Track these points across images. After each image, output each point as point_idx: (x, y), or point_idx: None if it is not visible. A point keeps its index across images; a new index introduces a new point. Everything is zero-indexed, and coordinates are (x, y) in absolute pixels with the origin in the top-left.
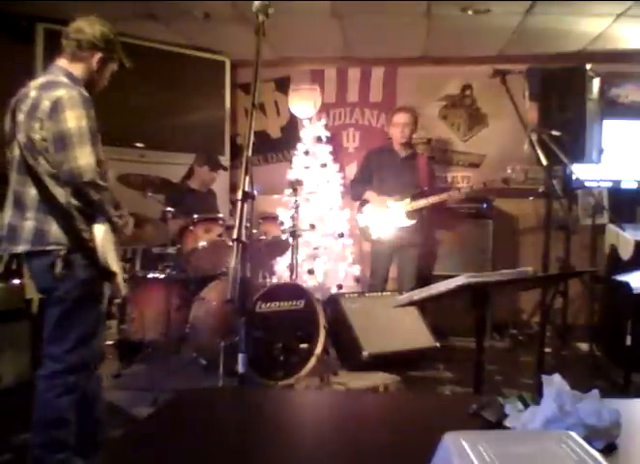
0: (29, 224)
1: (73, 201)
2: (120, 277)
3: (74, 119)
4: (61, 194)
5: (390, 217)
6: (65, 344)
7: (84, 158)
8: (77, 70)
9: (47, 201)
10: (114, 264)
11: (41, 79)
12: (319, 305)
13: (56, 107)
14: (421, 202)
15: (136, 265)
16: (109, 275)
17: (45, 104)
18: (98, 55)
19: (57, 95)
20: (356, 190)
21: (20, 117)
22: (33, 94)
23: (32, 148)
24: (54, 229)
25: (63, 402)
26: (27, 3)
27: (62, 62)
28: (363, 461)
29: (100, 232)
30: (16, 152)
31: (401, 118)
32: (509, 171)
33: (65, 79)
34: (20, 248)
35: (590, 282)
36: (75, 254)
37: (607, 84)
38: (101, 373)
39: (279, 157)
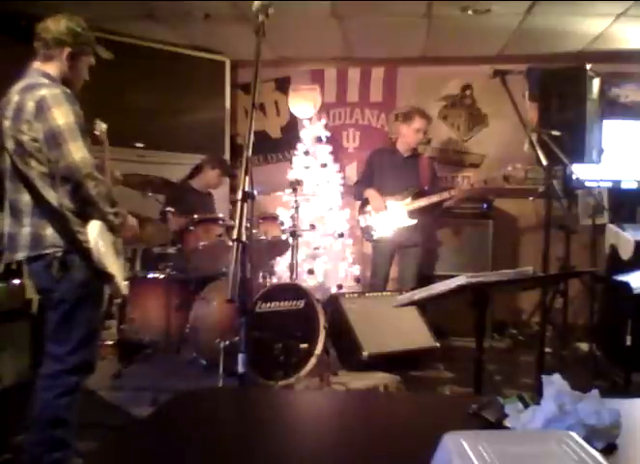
0: (26, 230)
1: (66, 203)
2: (119, 278)
3: (62, 116)
4: (53, 197)
5: (391, 216)
6: (67, 345)
7: (79, 152)
8: (51, 69)
9: (41, 205)
10: (110, 264)
11: (20, 84)
12: (319, 305)
13: (42, 107)
14: (422, 201)
15: (136, 265)
16: (106, 277)
17: (30, 106)
18: (67, 50)
19: (40, 94)
20: (358, 191)
21: (6, 123)
22: (15, 98)
23: (22, 151)
24: (50, 232)
25: (62, 402)
26: (27, 3)
27: (36, 64)
28: (362, 461)
29: (93, 231)
30: (7, 160)
31: (420, 124)
32: (509, 168)
33: (44, 80)
34: (20, 255)
35: (590, 282)
36: (72, 255)
37: (607, 84)
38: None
39: (279, 157)
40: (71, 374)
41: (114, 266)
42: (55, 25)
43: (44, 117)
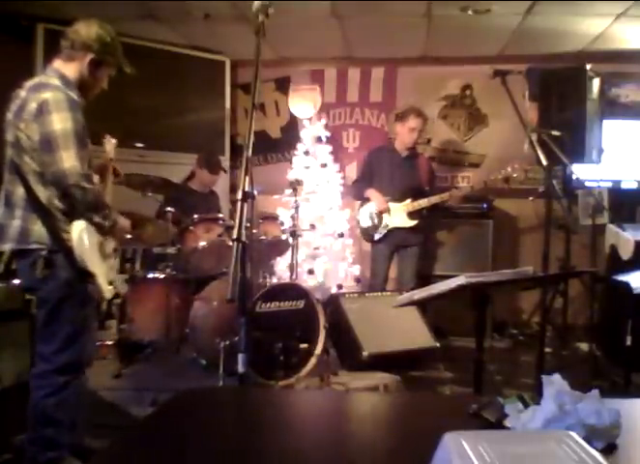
0: (16, 223)
1: (55, 202)
2: (102, 279)
3: (60, 121)
4: (43, 194)
5: (391, 217)
6: (53, 344)
7: (69, 160)
8: (70, 70)
9: (32, 200)
10: (93, 264)
11: (34, 80)
12: (319, 305)
13: (42, 109)
14: (422, 202)
15: (136, 265)
16: (88, 276)
17: (32, 106)
18: (89, 56)
19: (43, 97)
20: (358, 190)
21: (9, 116)
22: (22, 95)
23: (18, 146)
24: (37, 228)
25: (50, 402)
26: (27, 3)
27: (57, 63)
28: (362, 461)
29: (76, 231)
30: (8, 152)
31: (416, 123)
32: (509, 169)
33: (56, 81)
34: (7, 246)
35: (590, 282)
36: (57, 254)
37: (607, 84)
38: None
39: (279, 157)
40: (58, 374)
41: (98, 267)
42: (86, 30)
43: (42, 120)
